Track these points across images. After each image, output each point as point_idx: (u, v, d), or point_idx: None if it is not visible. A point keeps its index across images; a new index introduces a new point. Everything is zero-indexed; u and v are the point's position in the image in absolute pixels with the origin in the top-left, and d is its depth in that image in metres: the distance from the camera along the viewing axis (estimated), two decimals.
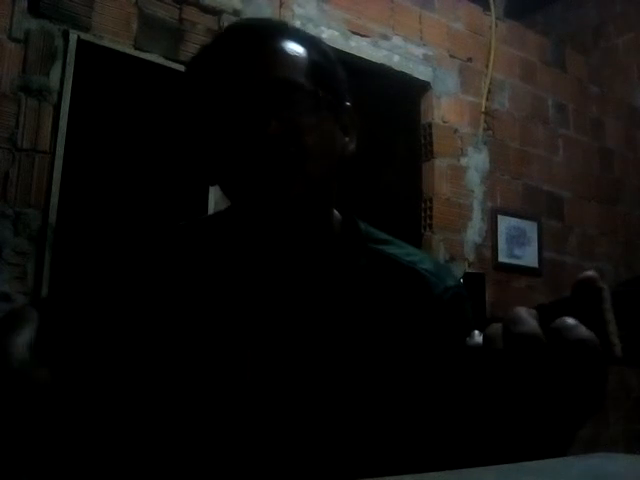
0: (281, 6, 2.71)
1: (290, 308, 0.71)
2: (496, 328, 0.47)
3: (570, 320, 0.45)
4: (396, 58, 3.05)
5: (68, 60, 2.14)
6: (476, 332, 0.49)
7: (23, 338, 0.52)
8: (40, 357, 0.52)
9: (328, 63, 0.74)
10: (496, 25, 3.41)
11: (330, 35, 2.80)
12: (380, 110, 2.91)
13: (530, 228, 3.38)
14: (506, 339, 0.46)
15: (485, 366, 0.47)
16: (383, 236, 0.78)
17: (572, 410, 0.46)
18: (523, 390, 0.46)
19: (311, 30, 2.64)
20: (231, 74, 0.69)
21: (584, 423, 0.47)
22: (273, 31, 0.73)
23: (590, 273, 0.46)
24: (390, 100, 3.03)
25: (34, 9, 2.11)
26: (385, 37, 3.03)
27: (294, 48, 0.71)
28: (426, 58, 3.15)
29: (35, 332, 0.54)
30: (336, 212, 0.77)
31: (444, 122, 3.17)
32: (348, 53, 2.82)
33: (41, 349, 0.53)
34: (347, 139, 0.75)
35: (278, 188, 0.66)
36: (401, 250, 0.76)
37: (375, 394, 0.66)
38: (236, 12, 2.57)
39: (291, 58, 0.70)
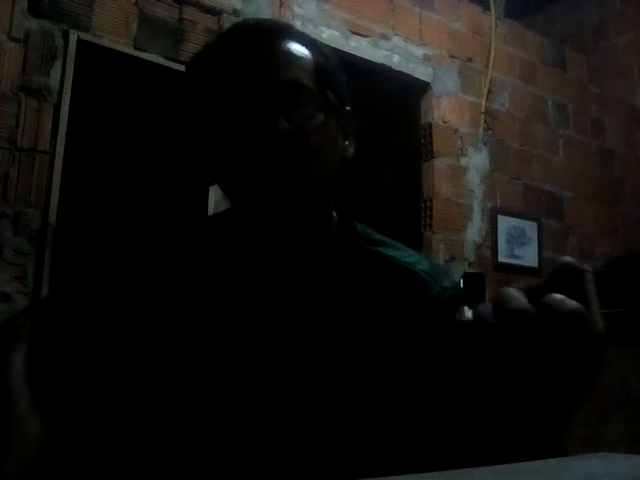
0: (281, 6, 2.71)
1: (287, 307, 0.71)
2: (486, 306, 0.48)
3: (558, 295, 0.46)
4: (396, 58, 3.05)
5: (68, 60, 2.14)
6: (465, 307, 0.49)
7: (20, 357, 0.52)
8: (36, 367, 0.52)
9: (332, 66, 0.75)
10: (496, 25, 3.41)
11: (330, 35, 2.80)
12: (380, 110, 2.91)
13: (530, 228, 3.38)
14: (497, 316, 0.47)
15: (477, 344, 0.47)
16: (380, 237, 0.78)
17: (566, 387, 0.47)
18: (516, 368, 0.46)
19: (311, 30, 2.64)
20: (239, 74, 0.69)
21: (579, 400, 0.47)
22: (278, 32, 0.73)
23: (568, 258, 0.47)
24: (390, 100, 3.03)
25: (34, 9, 2.11)
26: (385, 37, 3.03)
27: (300, 50, 0.72)
28: (426, 58, 3.15)
29: (28, 344, 0.54)
30: (334, 213, 0.77)
31: (444, 122, 3.17)
32: (348, 53, 2.82)
33: (36, 358, 0.53)
34: (347, 143, 0.76)
35: (282, 186, 0.66)
36: (398, 252, 0.76)
37: (372, 394, 0.66)
38: (236, 12, 2.57)
39: (298, 60, 0.71)
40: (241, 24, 0.77)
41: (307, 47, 0.73)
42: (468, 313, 0.49)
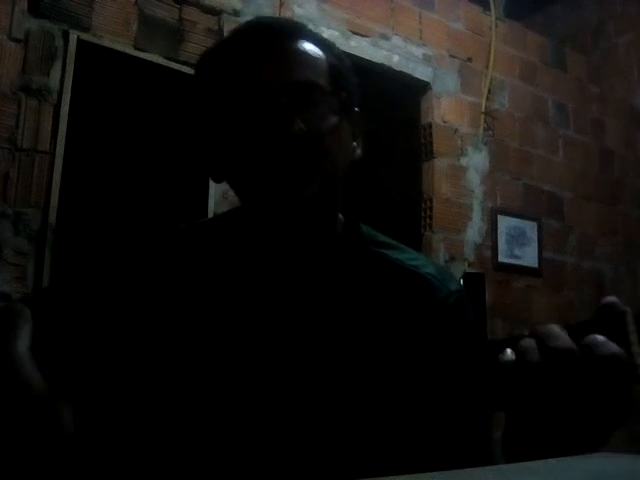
0: (281, 6, 2.71)
1: (294, 308, 0.70)
2: (530, 342, 0.49)
3: (600, 337, 0.47)
4: (396, 58, 3.05)
5: (68, 60, 2.14)
6: (508, 350, 0.50)
7: (23, 338, 0.51)
8: (39, 360, 0.52)
9: (344, 67, 0.75)
10: (496, 25, 3.41)
11: (330, 35, 2.80)
12: (380, 110, 2.91)
13: (530, 228, 3.38)
14: (542, 353, 0.48)
15: (520, 379, 0.48)
16: (385, 239, 0.78)
17: (598, 422, 0.48)
18: (555, 403, 0.47)
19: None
20: (254, 74, 0.68)
21: (610, 435, 0.49)
22: (292, 32, 0.73)
23: (612, 298, 0.49)
24: (390, 100, 3.03)
25: (34, 9, 2.11)
26: (385, 37, 3.03)
27: (314, 50, 0.72)
28: (426, 58, 3.15)
29: (31, 333, 0.54)
30: (340, 215, 0.77)
31: (444, 122, 3.17)
32: (348, 53, 2.79)
33: (38, 351, 0.52)
34: (355, 144, 0.76)
35: (295, 185, 0.66)
36: (403, 254, 0.76)
37: (382, 397, 0.66)
38: (236, 12, 2.57)
39: (313, 60, 0.71)
40: (254, 23, 0.77)
41: (320, 47, 0.73)
42: (511, 355, 0.50)
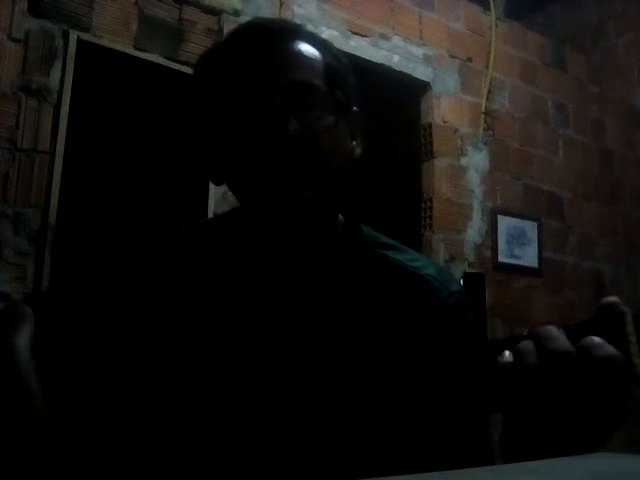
0: (281, 6, 2.71)
1: (295, 310, 0.70)
2: (528, 344, 0.49)
3: (597, 339, 0.47)
4: (396, 58, 3.05)
5: (68, 60, 2.14)
6: (506, 352, 0.50)
7: (24, 339, 0.51)
8: (39, 357, 0.52)
9: (341, 67, 0.75)
10: (496, 25, 3.41)
11: (330, 35, 2.80)
12: (380, 110, 2.91)
13: (530, 228, 3.38)
14: (540, 355, 0.48)
15: (517, 381, 0.48)
16: (386, 240, 0.78)
17: (596, 424, 0.48)
18: (553, 404, 0.47)
19: (311, 30, 2.63)
20: (249, 74, 0.69)
21: (607, 437, 0.49)
22: (289, 32, 0.73)
23: (613, 298, 0.48)
24: (390, 100, 3.02)
25: (34, 9, 2.11)
26: (385, 37, 3.03)
27: (310, 50, 0.72)
28: (426, 58, 3.15)
29: (32, 331, 0.54)
30: (340, 216, 0.77)
31: (444, 122, 3.17)
32: (348, 53, 2.81)
33: (39, 349, 0.53)
34: (354, 143, 0.76)
35: (292, 189, 0.66)
36: (404, 255, 0.76)
37: (382, 397, 0.66)
38: (236, 12, 2.57)
39: (309, 60, 0.71)
40: (251, 24, 0.77)
41: (317, 48, 0.73)
42: (509, 357, 0.50)
